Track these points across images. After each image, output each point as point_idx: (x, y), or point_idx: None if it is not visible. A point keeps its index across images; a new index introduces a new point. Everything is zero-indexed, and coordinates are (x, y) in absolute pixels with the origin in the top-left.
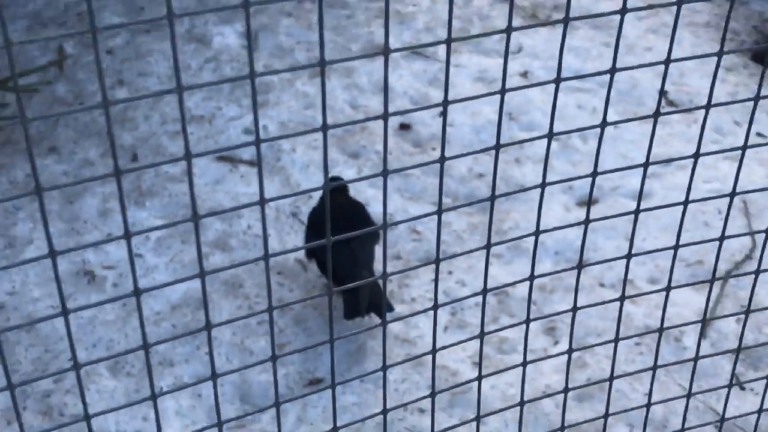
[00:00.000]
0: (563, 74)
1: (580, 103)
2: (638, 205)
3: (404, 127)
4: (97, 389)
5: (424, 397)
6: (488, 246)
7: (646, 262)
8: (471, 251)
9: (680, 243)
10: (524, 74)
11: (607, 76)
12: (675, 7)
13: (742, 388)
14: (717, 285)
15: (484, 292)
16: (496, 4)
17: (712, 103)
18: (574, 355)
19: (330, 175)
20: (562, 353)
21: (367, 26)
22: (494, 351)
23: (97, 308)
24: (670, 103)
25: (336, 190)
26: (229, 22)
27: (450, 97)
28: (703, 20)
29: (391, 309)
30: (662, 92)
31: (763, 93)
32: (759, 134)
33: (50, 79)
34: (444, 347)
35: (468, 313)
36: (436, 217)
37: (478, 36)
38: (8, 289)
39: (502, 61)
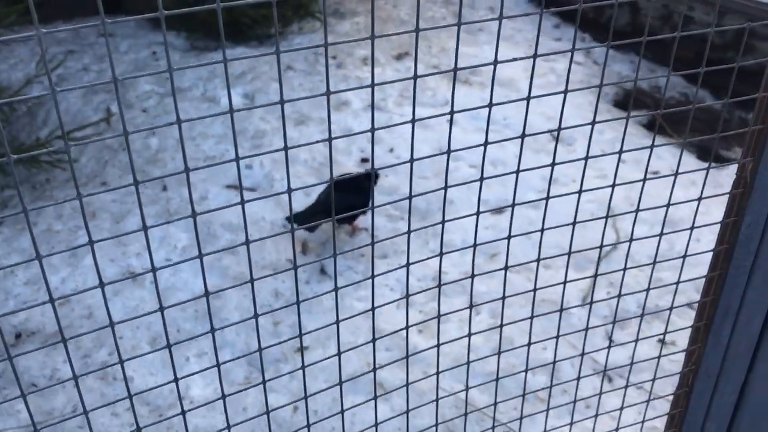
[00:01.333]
0: (476, 120)
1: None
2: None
3: (364, 160)
4: (140, 358)
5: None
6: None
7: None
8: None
9: (572, 241)
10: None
11: (510, 121)
12: (559, 70)
13: (612, 342)
14: (592, 268)
15: (439, 285)
16: (429, 70)
17: (585, 139)
18: (491, 321)
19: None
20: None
21: (334, 87)
22: (433, 321)
23: (140, 298)
24: (556, 139)
25: (368, 176)
26: (233, 86)
27: (395, 138)
28: (578, 78)
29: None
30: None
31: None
32: (622, 161)
33: (101, 132)
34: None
35: (415, 295)
36: (390, 223)
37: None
38: (72, 287)
39: (434, 110)
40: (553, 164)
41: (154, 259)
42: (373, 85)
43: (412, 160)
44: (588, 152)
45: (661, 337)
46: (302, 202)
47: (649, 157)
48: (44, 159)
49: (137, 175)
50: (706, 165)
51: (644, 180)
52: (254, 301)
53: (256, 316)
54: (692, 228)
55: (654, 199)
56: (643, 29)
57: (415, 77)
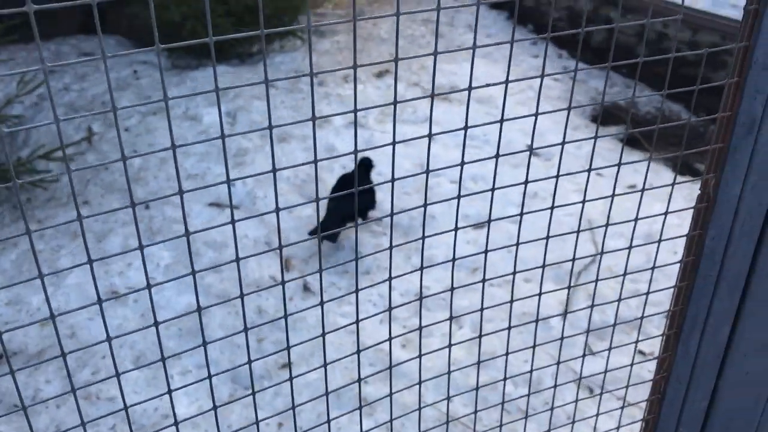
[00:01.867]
0: (456, 137)
1: (470, 156)
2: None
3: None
4: (124, 377)
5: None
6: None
7: (521, 268)
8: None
9: (547, 255)
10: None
11: (490, 137)
12: (538, 86)
13: (593, 354)
14: (573, 281)
15: (420, 298)
16: (409, 87)
17: (564, 153)
18: (473, 335)
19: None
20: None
21: (318, 105)
22: (415, 335)
23: (123, 317)
24: (535, 154)
25: (361, 165)
26: (214, 104)
27: (377, 154)
28: (555, 95)
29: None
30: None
31: (603, 144)
32: (598, 174)
33: (82, 151)
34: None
35: (397, 309)
36: (374, 239)
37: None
38: (55, 306)
39: (415, 127)
40: (526, 182)
41: (137, 278)
42: (355, 111)
43: (393, 180)
44: (559, 169)
45: (641, 347)
46: (286, 218)
47: (617, 173)
48: (25, 179)
49: (119, 194)
50: (683, 179)
51: (613, 195)
52: (244, 316)
53: (246, 329)
54: (659, 241)
55: (632, 212)
56: (619, 45)
57: (395, 102)
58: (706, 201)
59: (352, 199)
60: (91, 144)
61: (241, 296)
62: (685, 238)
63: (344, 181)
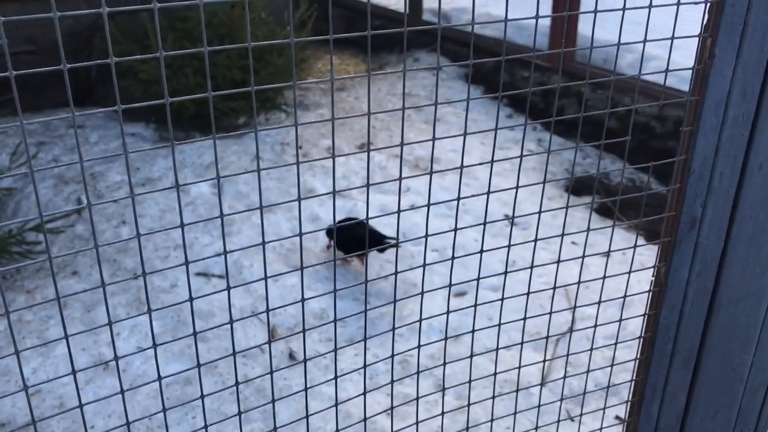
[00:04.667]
0: (437, 206)
1: (451, 224)
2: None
3: (329, 247)
4: None
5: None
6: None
7: (501, 335)
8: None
9: (526, 318)
10: (412, 206)
11: (468, 207)
12: (514, 157)
13: (572, 420)
14: (550, 348)
15: (418, 372)
16: (390, 159)
17: (540, 222)
18: (456, 402)
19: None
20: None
21: (303, 176)
22: (398, 401)
23: (112, 387)
24: (512, 223)
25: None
26: (202, 176)
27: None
28: (531, 165)
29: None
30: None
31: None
32: (573, 243)
33: (72, 223)
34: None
35: (381, 377)
36: (358, 306)
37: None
38: (43, 377)
39: (395, 196)
40: (481, 251)
41: (125, 348)
42: (334, 193)
43: (367, 252)
44: (536, 239)
45: (619, 412)
46: (271, 287)
47: (585, 240)
48: (15, 250)
49: (107, 264)
50: (655, 246)
51: (582, 257)
52: (236, 376)
53: (237, 383)
54: (620, 320)
55: (607, 280)
56: (591, 119)
57: (368, 186)
58: (658, 285)
59: (360, 234)
60: (81, 215)
61: (233, 353)
62: (640, 316)
63: (345, 229)
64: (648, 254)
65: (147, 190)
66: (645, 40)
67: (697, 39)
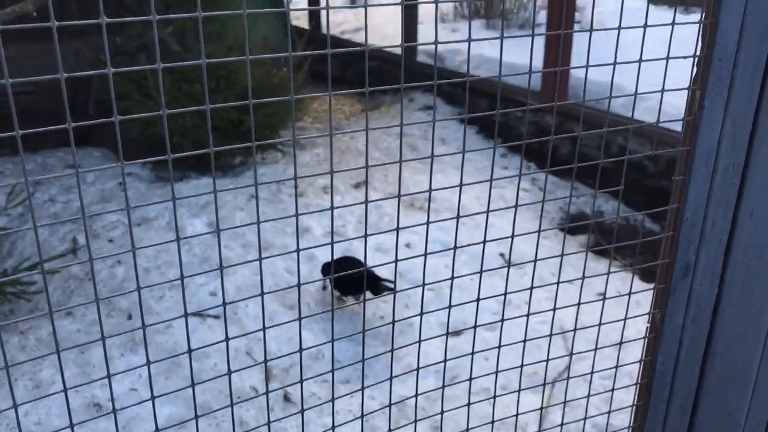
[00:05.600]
0: (432, 245)
1: (446, 263)
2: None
3: (324, 287)
4: None
5: None
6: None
7: (499, 375)
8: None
9: (523, 362)
10: (408, 245)
11: (465, 250)
12: (508, 197)
13: None
14: (547, 389)
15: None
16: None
17: (536, 260)
18: None
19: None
20: None
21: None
22: None
23: (104, 430)
24: (507, 262)
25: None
26: (198, 215)
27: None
28: (525, 204)
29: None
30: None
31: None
32: (569, 282)
33: (67, 262)
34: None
35: (377, 419)
36: (353, 347)
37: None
38: (35, 420)
39: (390, 236)
40: (477, 299)
41: (119, 389)
42: (332, 243)
43: (365, 300)
44: (533, 280)
45: None
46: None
47: (582, 282)
48: (9, 290)
49: (103, 304)
50: (650, 286)
51: (579, 302)
52: (233, 423)
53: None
54: (616, 366)
55: (603, 319)
56: (584, 158)
57: (365, 237)
58: (654, 332)
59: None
60: (76, 255)
61: (231, 401)
62: (634, 363)
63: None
64: (644, 295)
65: (146, 241)
66: (636, 93)
67: (688, 81)
